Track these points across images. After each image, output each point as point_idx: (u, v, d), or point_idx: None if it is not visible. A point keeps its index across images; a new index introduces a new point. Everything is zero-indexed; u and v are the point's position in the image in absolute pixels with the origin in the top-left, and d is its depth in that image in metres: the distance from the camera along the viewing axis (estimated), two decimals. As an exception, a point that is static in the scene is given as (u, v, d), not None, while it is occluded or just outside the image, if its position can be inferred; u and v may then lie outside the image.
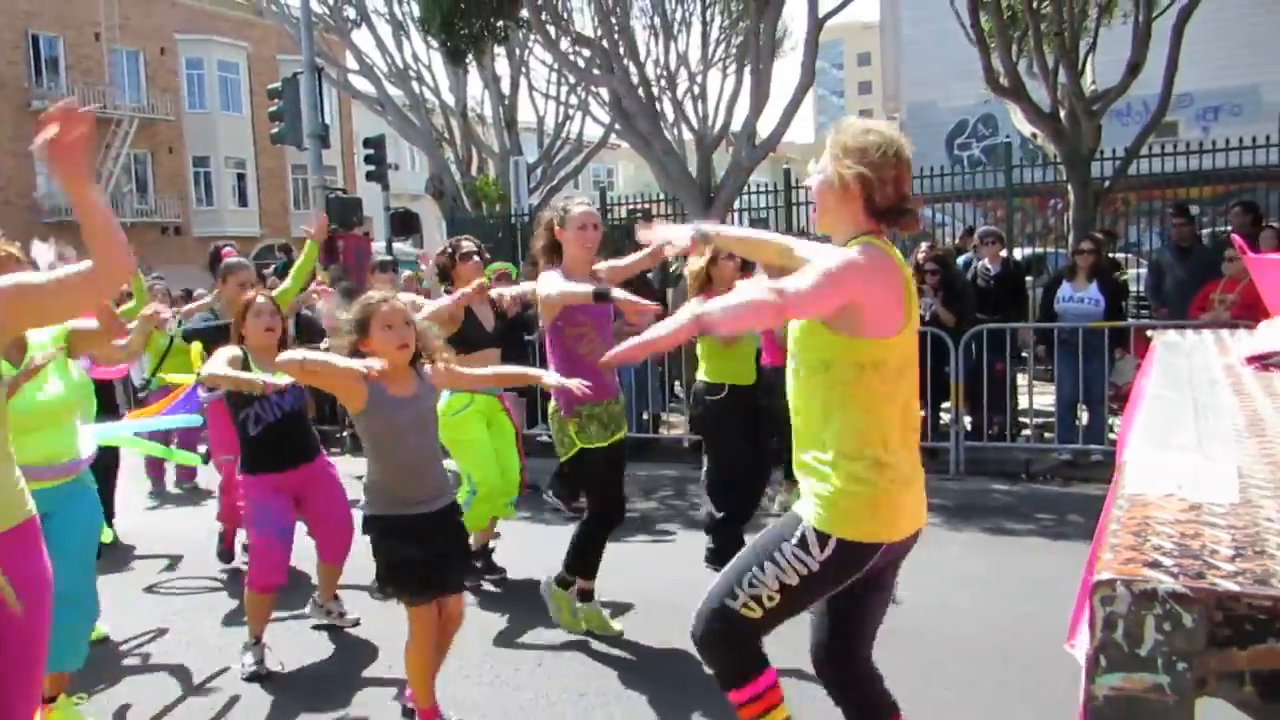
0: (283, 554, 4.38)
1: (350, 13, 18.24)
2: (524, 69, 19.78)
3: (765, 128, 11.69)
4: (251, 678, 4.27)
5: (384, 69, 18.36)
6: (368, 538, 3.55)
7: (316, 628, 4.88)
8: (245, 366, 4.26)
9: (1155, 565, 1.08)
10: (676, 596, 4.74)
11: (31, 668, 2.43)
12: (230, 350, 4.25)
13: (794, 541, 2.48)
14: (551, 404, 4.51)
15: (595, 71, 11.67)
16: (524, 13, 12.44)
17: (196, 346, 4.83)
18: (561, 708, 3.89)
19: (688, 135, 18.34)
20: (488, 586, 5.43)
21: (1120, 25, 13.07)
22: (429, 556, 3.44)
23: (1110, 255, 9.59)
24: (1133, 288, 10.90)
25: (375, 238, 18.54)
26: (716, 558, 5.38)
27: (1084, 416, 8.17)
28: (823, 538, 2.45)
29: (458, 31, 12.54)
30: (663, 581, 5.32)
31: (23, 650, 2.39)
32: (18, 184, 29.80)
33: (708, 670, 2.71)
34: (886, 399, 2.45)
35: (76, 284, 2.19)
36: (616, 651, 4.46)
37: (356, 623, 4.88)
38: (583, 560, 4.60)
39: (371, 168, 16.85)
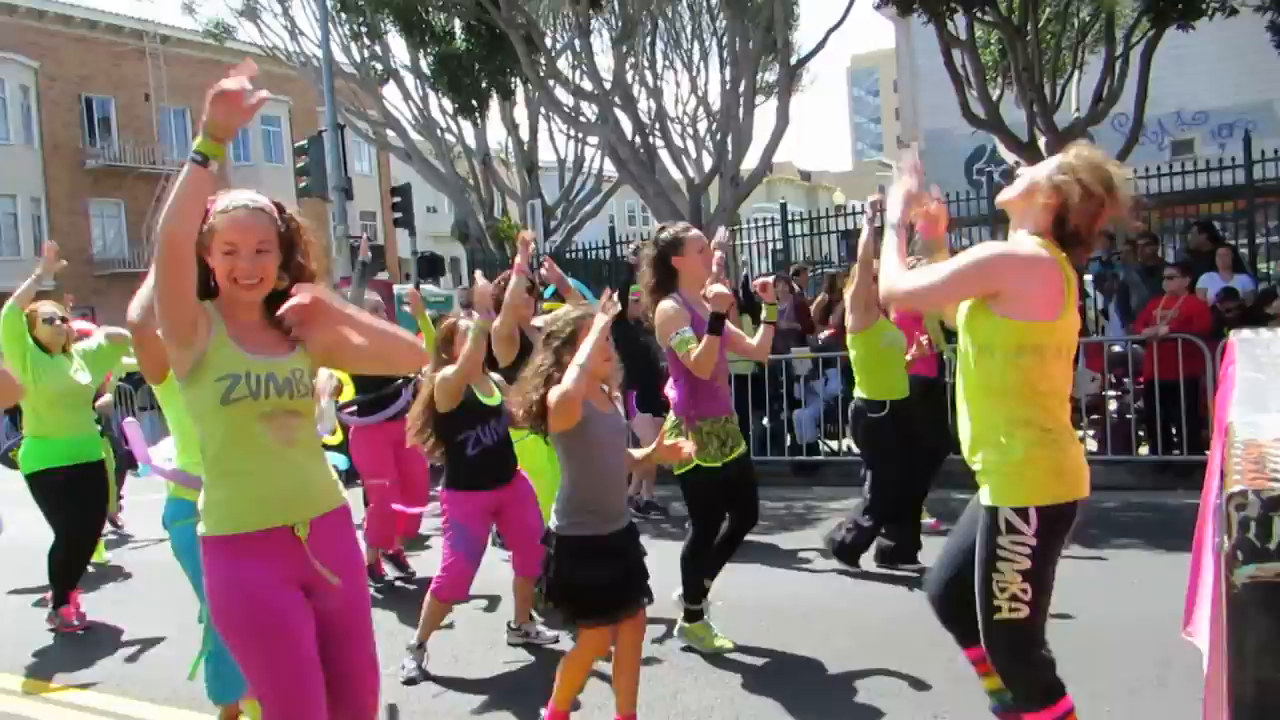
0: (473, 572, 4.46)
1: (378, 67, 19.26)
2: (541, 112, 20.67)
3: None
4: (410, 681, 4.34)
5: (410, 119, 19.34)
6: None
7: (512, 644, 4.85)
8: (470, 394, 4.43)
9: (1277, 480, 1.34)
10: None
11: (365, 636, 2.67)
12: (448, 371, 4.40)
13: (1004, 531, 2.63)
14: (670, 418, 4.47)
15: (593, 120, 12.45)
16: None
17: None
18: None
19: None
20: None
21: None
22: (620, 575, 3.40)
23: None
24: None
25: (409, 280, 19.42)
26: (873, 554, 5.71)
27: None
28: (1022, 513, 2.62)
29: (466, 87, 13.34)
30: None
31: (356, 619, 2.65)
32: (74, 239, 31.11)
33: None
34: (1045, 377, 2.65)
35: None
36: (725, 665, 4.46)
37: (556, 640, 4.76)
38: (698, 584, 4.58)
39: (399, 215, 17.76)
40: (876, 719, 3.75)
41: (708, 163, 19.16)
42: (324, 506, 2.60)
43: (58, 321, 5.48)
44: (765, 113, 14.84)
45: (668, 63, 21.29)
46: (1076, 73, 14.24)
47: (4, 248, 29.09)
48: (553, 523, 3.44)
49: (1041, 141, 12.08)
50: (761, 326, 4.59)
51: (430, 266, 18.07)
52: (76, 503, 5.46)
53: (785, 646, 4.56)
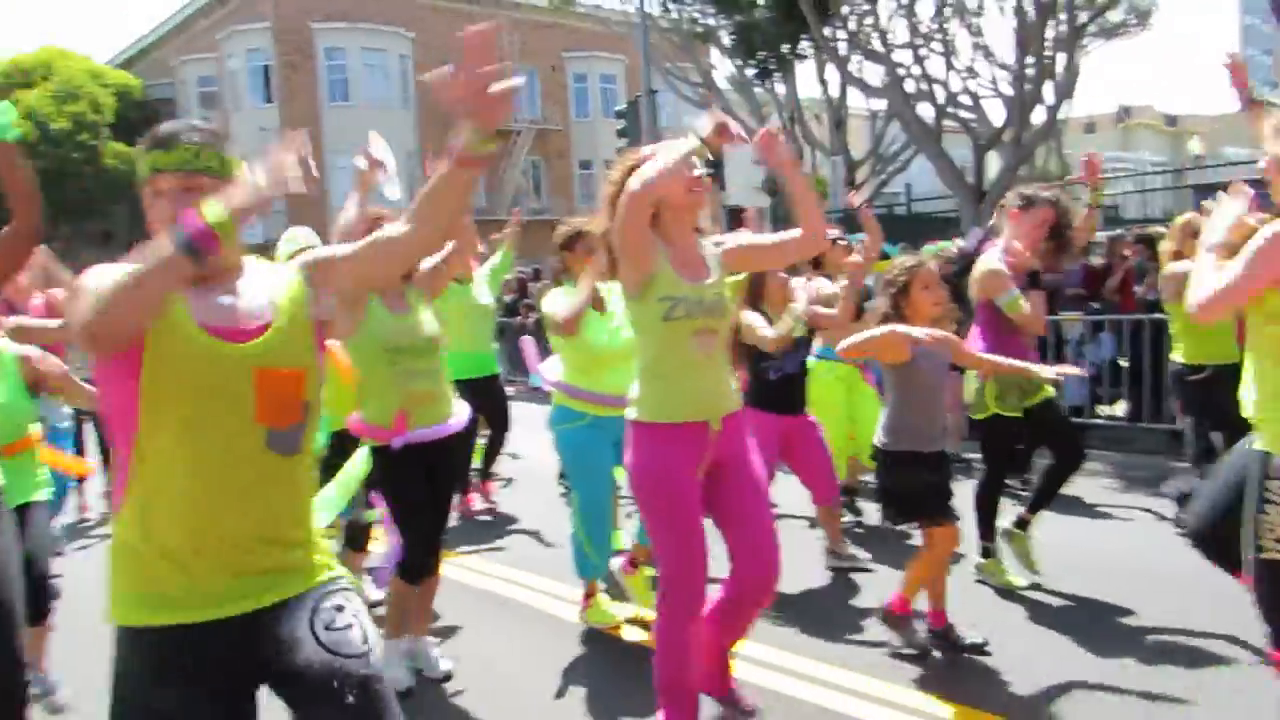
0: None
1: (698, 27, 20.29)
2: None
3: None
4: None
5: (728, 76, 20.27)
6: None
7: (830, 568, 5.32)
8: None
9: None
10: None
11: (761, 508, 3.23)
12: (752, 315, 4.84)
13: (1275, 476, 2.68)
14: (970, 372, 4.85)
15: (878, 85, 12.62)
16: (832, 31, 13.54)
17: None
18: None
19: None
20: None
21: None
22: (937, 485, 3.93)
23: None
24: None
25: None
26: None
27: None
28: None
29: (761, 55, 13.89)
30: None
31: (753, 495, 3.21)
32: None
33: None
34: None
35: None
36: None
37: (868, 569, 5.27)
38: (990, 521, 4.92)
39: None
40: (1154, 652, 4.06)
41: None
42: (730, 407, 3.19)
43: None
44: (1092, 60, 13.98)
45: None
46: None
47: (385, 197, 33.47)
48: (878, 440, 4.02)
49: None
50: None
51: (736, 219, 18.93)
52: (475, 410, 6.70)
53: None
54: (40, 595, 3.62)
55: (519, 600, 5.16)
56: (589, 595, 4.66)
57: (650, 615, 4.47)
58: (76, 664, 3.94)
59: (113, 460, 2.00)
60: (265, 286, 2.00)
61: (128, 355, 1.81)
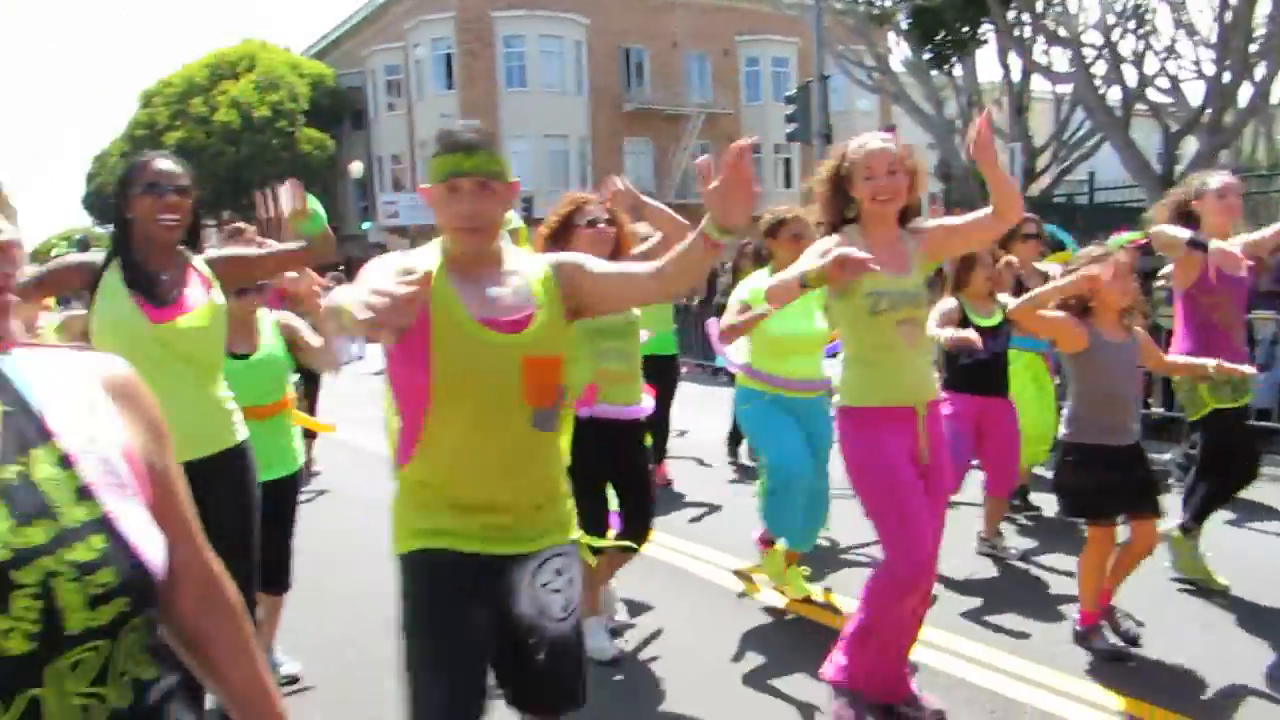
0: (962, 464, 4.99)
1: (874, 11, 19.84)
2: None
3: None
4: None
5: (904, 60, 19.74)
6: None
7: (981, 554, 5.32)
8: (962, 315, 4.89)
9: None
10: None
11: (938, 501, 3.30)
12: (949, 302, 4.94)
13: None
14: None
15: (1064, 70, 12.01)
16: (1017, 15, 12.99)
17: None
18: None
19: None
20: (1023, 520, 5.99)
21: None
22: (1121, 483, 3.80)
23: None
24: None
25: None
26: None
27: None
28: None
29: (938, 40, 13.48)
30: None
31: (936, 485, 3.27)
32: (612, 171, 35.87)
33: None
34: None
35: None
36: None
37: (1022, 556, 5.27)
38: (1204, 513, 4.75)
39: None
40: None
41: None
42: (932, 395, 3.31)
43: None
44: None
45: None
46: None
47: (557, 180, 34.35)
48: (1062, 431, 3.99)
49: None
50: None
51: (908, 207, 18.47)
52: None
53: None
54: (279, 573, 3.78)
55: (687, 570, 5.32)
56: (769, 543, 4.72)
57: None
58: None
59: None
60: (525, 277, 2.21)
61: (416, 348, 2.07)
